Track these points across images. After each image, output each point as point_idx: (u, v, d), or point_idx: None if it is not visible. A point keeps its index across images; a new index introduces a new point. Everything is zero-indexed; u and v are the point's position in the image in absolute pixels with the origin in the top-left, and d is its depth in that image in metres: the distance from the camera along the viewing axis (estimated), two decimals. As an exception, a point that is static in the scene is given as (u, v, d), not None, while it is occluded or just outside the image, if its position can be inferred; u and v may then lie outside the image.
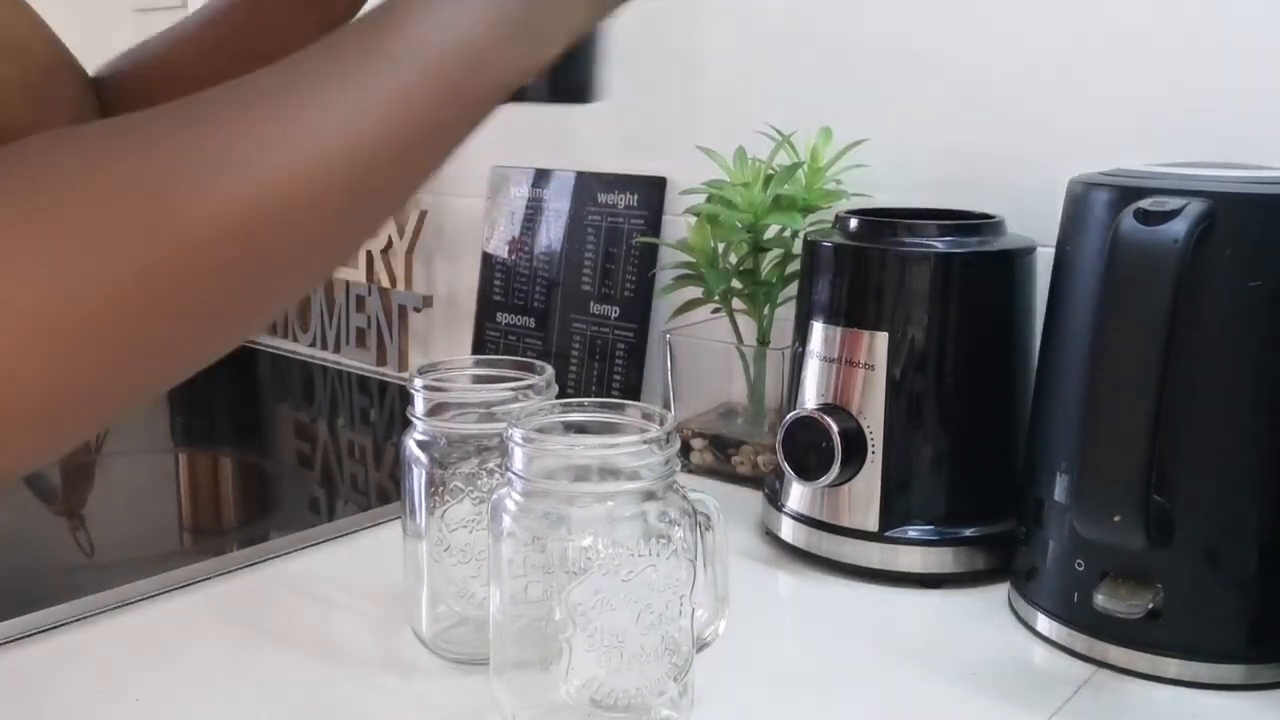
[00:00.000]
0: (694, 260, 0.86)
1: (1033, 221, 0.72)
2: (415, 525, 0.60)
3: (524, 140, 1.07)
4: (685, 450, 0.88)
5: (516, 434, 0.50)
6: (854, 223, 0.72)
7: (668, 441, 0.50)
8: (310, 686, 0.57)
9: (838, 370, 0.70)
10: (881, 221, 0.71)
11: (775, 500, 0.75)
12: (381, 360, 1.23)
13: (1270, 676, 0.58)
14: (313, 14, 0.56)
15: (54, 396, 0.30)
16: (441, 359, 0.63)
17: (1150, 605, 0.57)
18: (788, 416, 0.72)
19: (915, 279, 0.68)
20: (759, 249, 0.85)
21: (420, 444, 0.59)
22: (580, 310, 1.04)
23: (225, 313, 0.34)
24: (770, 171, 0.85)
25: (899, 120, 0.86)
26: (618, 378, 1.02)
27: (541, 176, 1.09)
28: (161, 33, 0.60)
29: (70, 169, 0.31)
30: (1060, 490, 0.61)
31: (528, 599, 0.51)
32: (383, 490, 0.87)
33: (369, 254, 1.22)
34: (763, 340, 0.87)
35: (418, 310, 1.20)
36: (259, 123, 0.33)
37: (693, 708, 0.53)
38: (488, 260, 1.13)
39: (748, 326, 0.87)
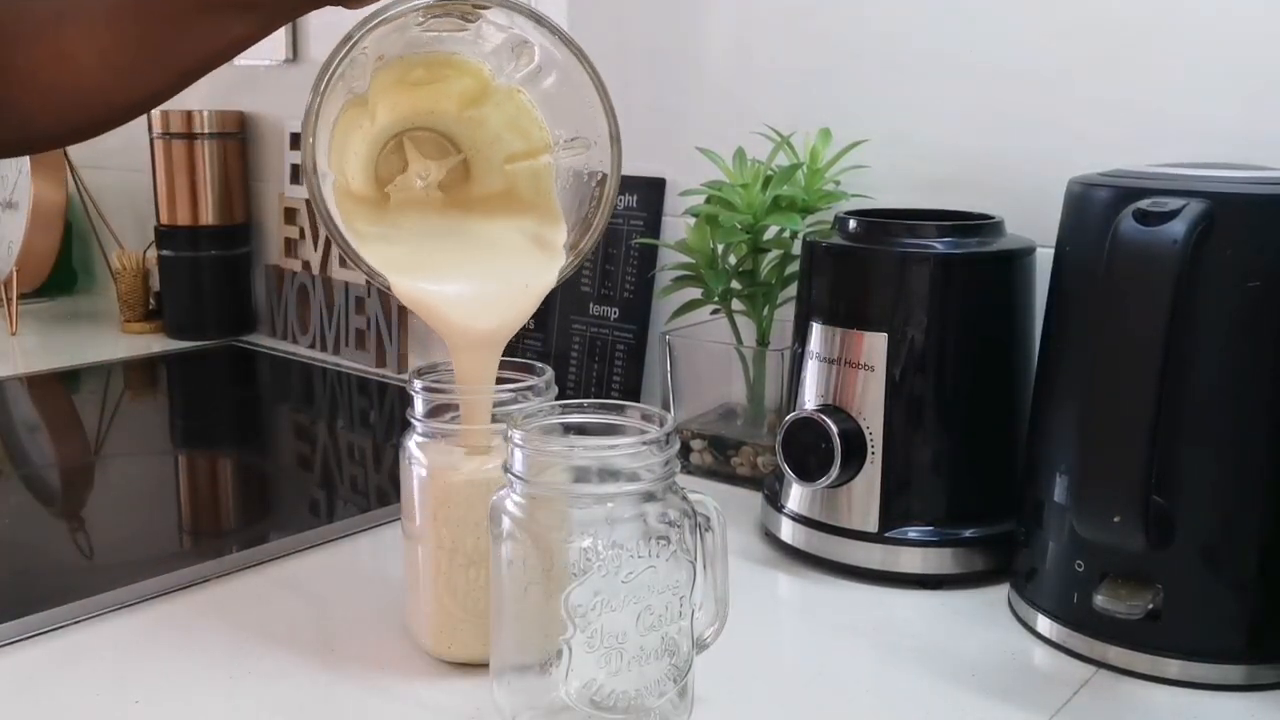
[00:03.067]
0: (693, 261, 0.86)
1: (1033, 221, 0.72)
2: (414, 527, 0.60)
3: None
4: (685, 451, 0.88)
5: (516, 435, 0.50)
6: (853, 224, 0.72)
7: (667, 443, 0.50)
8: (310, 688, 0.57)
9: (837, 371, 0.70)
10: (881, 222, 0.71)
11: (775, 501, 0.75)
12: (381, 361, 1.23)
13: (1270, 677, 0.58)
14: None
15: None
16: (441, 360, 0.62)
17: (1150, 606, 0.57)
18: (787, 417, 0.72)
19: (914, 280, 0.68)
20: (758, 250, 0.85)
21: (420, 445, 0.59)
22: (580, 311, 1.04)
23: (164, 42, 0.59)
24: (769, 172, 0.85)
25: (898, 120, 0.86)
26: (617, 379, 1.02)
27: (541, 177, 1.09)
28: None
29: None
30: (1060, 491, 0.61)
31: (527, 600, 0.51)
32: (382, 492, 0.87)
33: (368, 255, 1.22)
34: (762, 341, 0.87)
35: (417, 311, 1.19)
36: None
37: (692, 709, 0.53)
38: (487, 261, 1.13)
39: (747, 327, 0.87)
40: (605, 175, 0.61)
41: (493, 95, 0.62)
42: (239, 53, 0.65)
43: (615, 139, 0.60)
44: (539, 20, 0.58)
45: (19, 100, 0.58)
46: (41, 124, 0.61)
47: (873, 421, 0.69)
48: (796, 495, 0.73)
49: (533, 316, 1.07)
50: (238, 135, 1.38)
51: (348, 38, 0.54)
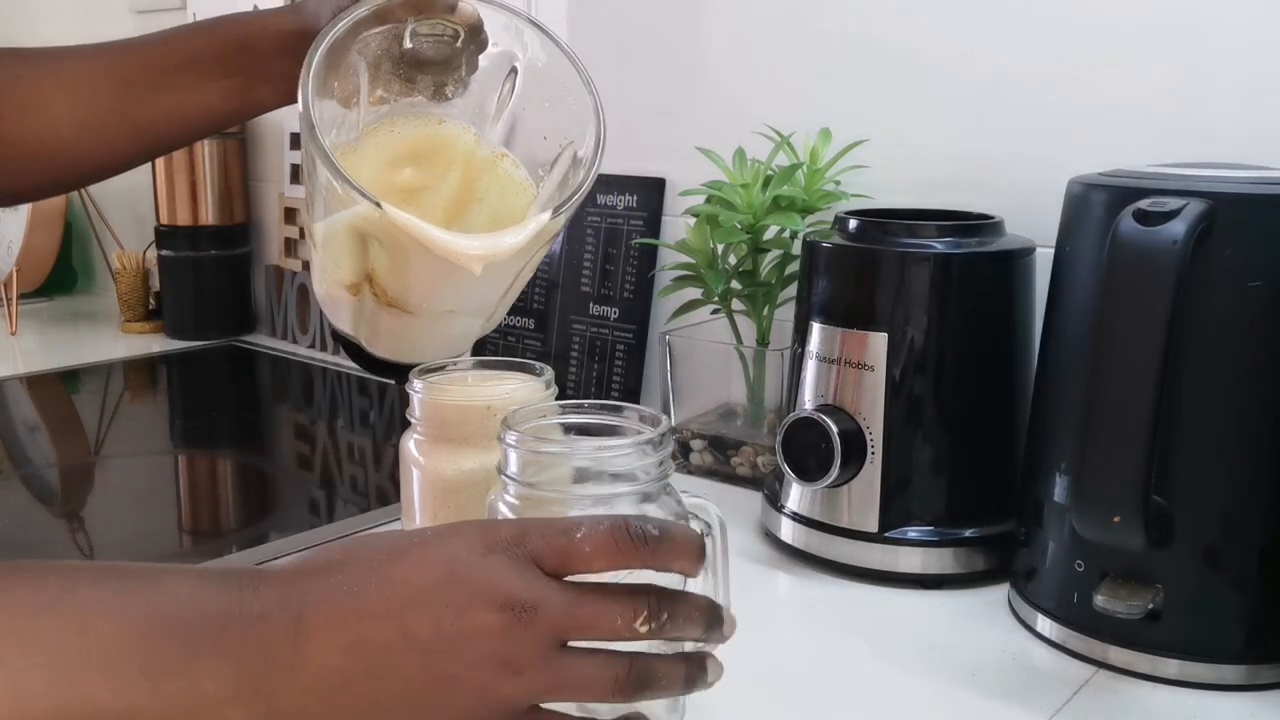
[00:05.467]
0: (693, 261, 0.86)
1: (1033, 221, 0.72)
2: (414, 526, 0.59)
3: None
4: (685, 451, 0.88)
5: (510, 436, 0.50)
6: (853, 223, 0.72)
7: (662, 444, 0.50)
8: (309, 688, 0.57)
9: (837, 371, 0.70)
10: (881, 222, 0.71)
11: (775, 501, 0.75)
12: (381, 361, 1.23)
13: (1270, 676, 0.58)
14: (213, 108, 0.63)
15: None
16: (440, 361, 0.63)
17: (1150, 606, 0.57)
18: (787, 418, 0.72)
19: (914, 280, 0.68)
20: (758, 250, 0.85)
21: (419, 445, 0.59)
22: (580, 311, 1.04)
23: None
24: (769, 172, 0.85)
25: (899, 120, 0.86)
26: (617, 379, 1.02)
27: (541, 177, 1.09)
28: (33, 59, 0.62)
29: None
30: (1060, 490, 0.61)
31: (526, 600, 0.51)
32: (382, 492, 0.87)
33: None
34: (762, 341, 0.87)
35: (417, 311, 1.19)
36: None
37: (692, 710, 0.53)
38: (487, 261, 1.13)
39: (747, 327, 0.87)
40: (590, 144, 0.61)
41: (479, 178, 0.61)
42: (221, 128, 0.65)
43: (597, 109, 0.60)
44: (514, 13, 0.59)
45: None
46: (4, 179, 0.61)
47: (873, 421, 0.69)
48: (796, 495, 0.73)
49: (532, 317, 1.07)
50: (238, 135, 1.38)
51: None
